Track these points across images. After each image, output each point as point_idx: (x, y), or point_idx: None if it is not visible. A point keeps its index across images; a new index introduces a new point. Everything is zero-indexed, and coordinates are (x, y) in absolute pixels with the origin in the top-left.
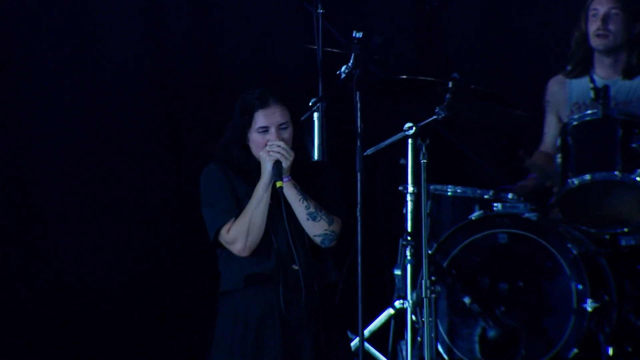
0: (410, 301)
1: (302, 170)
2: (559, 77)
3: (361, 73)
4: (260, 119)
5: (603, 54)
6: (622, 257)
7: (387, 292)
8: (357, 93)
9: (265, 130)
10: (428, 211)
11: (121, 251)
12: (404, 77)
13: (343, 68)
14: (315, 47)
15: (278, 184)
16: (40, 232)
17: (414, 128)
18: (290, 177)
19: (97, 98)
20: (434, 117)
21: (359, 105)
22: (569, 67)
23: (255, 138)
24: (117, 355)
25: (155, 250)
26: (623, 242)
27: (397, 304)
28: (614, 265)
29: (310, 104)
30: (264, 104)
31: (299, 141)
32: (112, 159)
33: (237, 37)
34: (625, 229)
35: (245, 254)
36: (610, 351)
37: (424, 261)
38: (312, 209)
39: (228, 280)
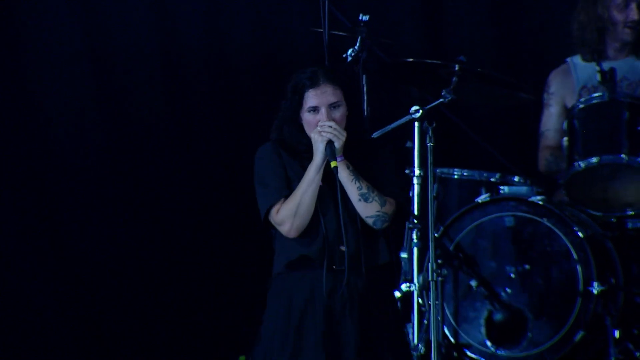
0: (417, 284)
1: (356, 150)
2: (562, 67)
3: (367, 56)
4: (311, 98)
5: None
6: (628, 240)
7: (393, 275)
8: (364, 76)
9: (315, 110)
10: (434, 194)
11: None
12: (411, 60)
13: (349, 51)
14: (322, 30)
15: (332, 163)
16: (56, 225)
17: (420, 111)
18: (343, 157)
19: (107, 82)
20: (441, 100)
21: (365, 89)
22: (582, 53)
23: (306, 118)
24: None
25: (190, 236)
26: (629, 225)
27: (404, 287)
28: (621, 248)
29: None
30: (314, 84)
31: (353, 120)
32: (124, 147)
33: (244, 21)
34: (632, 212)
35: (292, 235)
36: (617, 334)
37: (431, 244)
38: (364, 190)
39: (278, 263)
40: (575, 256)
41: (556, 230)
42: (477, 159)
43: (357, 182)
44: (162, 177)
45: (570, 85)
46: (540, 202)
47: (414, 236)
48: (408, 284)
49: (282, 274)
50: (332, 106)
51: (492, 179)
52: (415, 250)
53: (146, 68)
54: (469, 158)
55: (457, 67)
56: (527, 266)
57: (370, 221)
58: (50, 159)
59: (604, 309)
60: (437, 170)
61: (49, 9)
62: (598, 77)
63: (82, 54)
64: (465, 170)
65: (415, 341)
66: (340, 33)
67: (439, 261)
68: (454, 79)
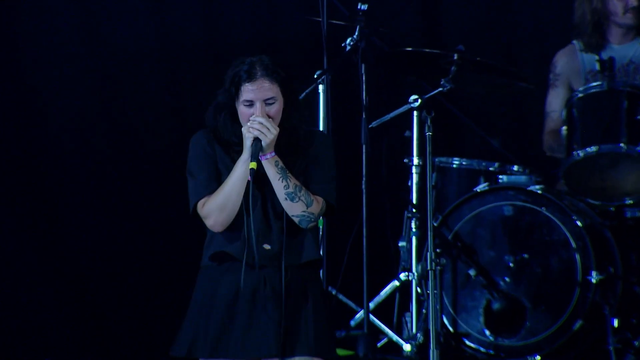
0: (415, 273)
1: (290, 145)
2: (569, 48)
3: (366, 45)
4: (246, 92)
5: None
6: (627, 229)
7: (392, 265)
8: (362, 65)
9: (250, 104)
10: (433, 183)
11: (136, 239)
12: (409, 49)
13: (348, 40)
14: (320, 19)
15: (251, 164)
16: (56, 223)
17: (419, 100)
18: (273, 153)
19: (106, 79)
20: (439, 89)
21: (364, 78)
22: (583, 42)
23: (241, 110)
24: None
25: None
26: (628, 214)
27: (402, 276)
28: (619, 237)
29: (315, 76)
30: (250, 77)
31: (289, 115)
32: (124, 145)
33: (241, 9)
34: (631, 201)
35: (217, 229)
36: (615, 323)
37: (429, 233)
38: (290, 189)
39: (204, 255)
40: (573, 245)
41: (555, 220)
42: (476, 148)
43: (284, 181)
44: (162, 175)
45: (576, 67)
46: (539, 192)
47: (413, 225)
48: (407, 273)
49: (208, 267)
50: (267, 101)
51: (490, 168)
52: (414, 239)
53: (145, 62)
54: (468, 147)
55: (455, 57)
56: (525, 255)
57: (296, 220)
58: (50, 157)
59: (602, 298)
60: (436, 160)
61: (48, 8)
62: (597, 66)
63: (81, 52)
64: (464, 160)
65: (414, 330)
66: (339, 22)
67: (438, 250)
68: (453, 68)
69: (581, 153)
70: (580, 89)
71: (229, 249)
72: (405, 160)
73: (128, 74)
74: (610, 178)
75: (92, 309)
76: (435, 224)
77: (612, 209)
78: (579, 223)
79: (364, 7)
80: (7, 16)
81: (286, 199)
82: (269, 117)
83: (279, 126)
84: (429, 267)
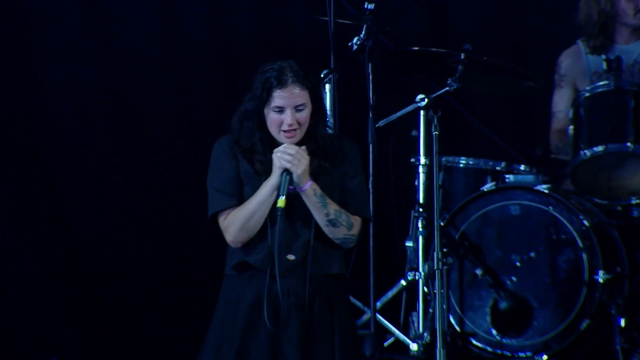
0: (422, 273)
1: (318, 152)
2: (573, 49)
3: (373, 45)
4: (277, 98)
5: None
6: (634, 228)
7: (399, 264)
8: (369, 65)
9: (281, 110)
10: (440, 183)
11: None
12: (416, 48)
13: (355, 40)
14: (327, 18)
15: (279, 202)
16: (61, 221)
17: (426, 100)
18: (310, 182)
19: (113, 77)
20: (446, 88)
21: (370, 77)
22: (588, 44)
23: (271, 116)
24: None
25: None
26: (635, 214)
27: (409, 275)
28: (626, 236)
29: (321, 75)
30: (281, 83)
31: (317, 122)
32: (130, 143)
33: (248, 9)
34: (637, 200)
35: (235, 246)
36: (622, 322)
37: (436, 233)
38: (332, 216)
39: (227, 264)
40: (580, 245)
41: (562, 219)
42: (482, 148)
43: (324, 209)
44: (168, 173)
45: (580, 68)
46: (546, 191)
47: (420, 225)
48: (414, 273)
49: (231, 275)
50: (297, 108)
51: (497, 168)
52: (420, 238)
53: (151, 62)
54: (475, 146)
55: (462, 56)
56: (532, 254)
57: (337, 242)
58: (55, 157)
59: (609, 297)
60: (443, 159)
61: (55, 7)
62: (604, 65)
63: (88, 51)
64: (471, 159)
65: (421, 330)
66: (346, 21)
67: (445, 250)
68: (460, 67)
69: (588, 152)
70: (587, 88)
71: (252, 259)
72: (412, 160)
73: (135, 74)
74: (617, 177)
75: (97, 309)
76: (442, 224)
77: (619, 208)
78: (585, 222)
79: (371, 6)
80: (14, 14)
81: (327, 225)
82: (299, 123)
83: (306, 132)
84: (435, 267)
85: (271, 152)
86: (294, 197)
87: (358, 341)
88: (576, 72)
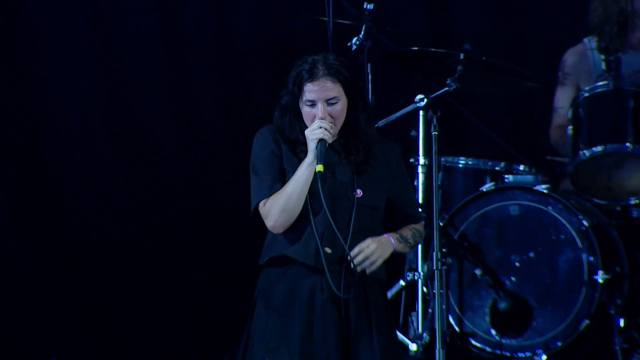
0: (422, 273)
1: (359, 149)
2: (578, 48)
3: (372, 45)
4: (308, 92)
5: None
6: (633, 228)
7: (398, 264)
8: (368, 65)
9: (312, 104)
10: (439, 183)
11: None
12: (415, 48)
13: (354, 40)
14: (326, 18)
15: (318, 167)
16: (61, 222)
17: (425, 100)
18: (393, 242)
19: (112, 72)
20: (445, 88)
21: (370, 77)
22: (602, 42)
23: (304, 110)
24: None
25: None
26: (634, 214)
27: (408, 276)
28: (625, 236)
29: None
30: (312, 77)
31: (356, 117)
32: (130, 141)
33: (247, 8)
34: (637, 201)
35: (277, 230)
36: (622, 322)
37: (435, 233)
38: (412, 243)
39: (263, 256)
40: (580, 245)
41: (561, 219)
42: (482, 148)
43: (406, 246)
44: (169, 170)
45: (585, 67)
46: (545, 191)
47: None
48: (413, 273)
49: (267, 267)
50: (330, 101)
51: (497, 168)
52: None
53: (152, 60)
54: (474, 147)
55: (461, 56)
56: (532, 255)
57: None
58: (55, 156)
59: (608, 297)
60: (442, 159)
61: (56, 6)
62: (603, 65)
63: (86, 48)
64: (470, 159)
65: (420, 330)
66: (345, 22)
67: (444, 250)
68: (459, 67)
69: (587, 153)
70: (586, 88)
71: (289, 251)
72: (411, 160)
73: (134, 74)
74: (616, 177)
75: (97, 309)
76: (441, 224)
77: (618, 208)
78: (585, 222)
79: (370, 6)
80: (13, 11)
81: (409, 250)
82: (332, 117)
83: (345, 128)
84: (435, 267)
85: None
86: (335, 190)
87: (398, 347)
88: (580, 71)
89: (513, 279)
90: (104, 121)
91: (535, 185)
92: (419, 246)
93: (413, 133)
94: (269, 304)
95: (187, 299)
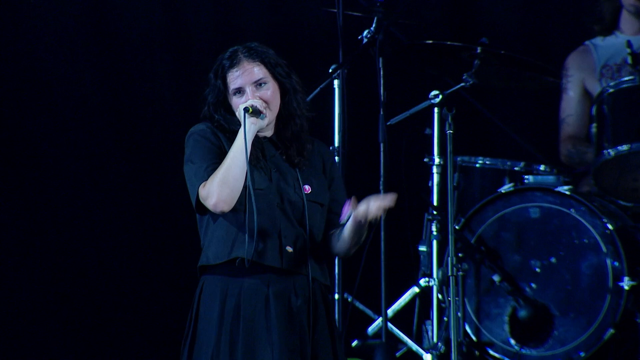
0: (436, 279)
1: (294, 139)
2: (581, 49)
3: (384, 38)
4: (233, 80)
5: (633, 15)
6: None
7: (411, 270)
8: (380, 59)
9: (240, 92)
10: (455, 184)
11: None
12: (430, 42)
13: (365, 32)
14: (336, 10)
15: (250, 109)
16: (57, 223)
17: (440, 96)
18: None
19: (113, 70)
20: (462, 84)
21: (381, 72)
22: (596, 27)
23: (234, 102)
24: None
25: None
26: None
27: (422, 282)
28: None
29: (330, 71)
30: (234, 63)
31: (290, 103)
32: (130, 139)
33: (253, 1)
34: None
35: (220, 208)
36: None
37: (451, 237)
38: (365, 236)
39: (205, 258)
40: (604, 249)
41: (584, 222)
42: (500, 147)
43: (365, 234)
44: (173, 171)
45: (590, 65)
46: (567, 193)
47: (434, 228)
48: (427, 279)
49: (214, 266)
50: (258, 84)
51: (516, 168)
52: (434, 243)
53: (153, 54)
54: (492, 146)
55: (479, 49)
56: (553, 260)
57: (347, 253)
58: (52, 154)
59: (635, 305)
60: (458, 159)
61: (56, 2)
62: (629, 59)
63: (86, 42)
64: (488, 159)
65: (435, 339)
66: (356, 13)
67: (460, 255)
68: (476, 61)
69: (612, 152)
70: (611, 83)
71: (242, 252)
72: (425, 160)
73: (135, 67)
74: None
75: (94, 313)
76: (457, 227)
77: None
78: (609, 226)
79: None
80: (11, 8)
81: (355, 245)
82: (264, 101)
83: (278, 117)
84: (450, 273)
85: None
86: (283, 184)
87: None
88: (585, 69)
89: (533, 285)
90: (104, 120)
91: (556, 187)
92: (434, 251)
93: (427, 131)
94: (222, 315)
95: (187, 302)
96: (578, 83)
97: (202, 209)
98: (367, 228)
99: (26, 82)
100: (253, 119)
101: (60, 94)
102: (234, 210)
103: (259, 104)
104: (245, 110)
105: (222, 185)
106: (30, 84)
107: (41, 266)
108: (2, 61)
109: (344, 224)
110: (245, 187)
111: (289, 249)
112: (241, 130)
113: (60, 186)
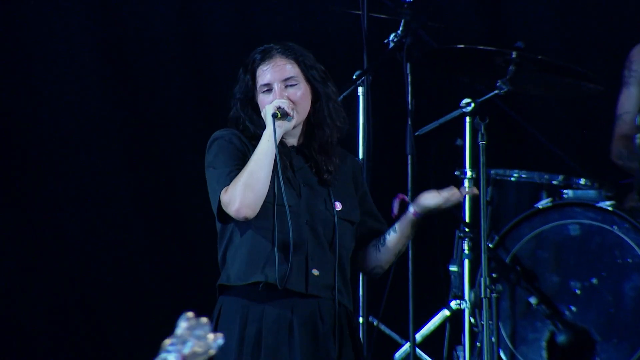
0: (468, 301)
1: (323, 151)
2: None
3: (412, 42)
4: (262, 75)
5: None
6: None
7: (441, 292)
8: (408, 65)
9: (269, 89)
10: (488, 199)
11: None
12: (461, 46)
13: (391, 36)
14: (360, 12)
15: (279, 114)
16: (58, 225)
17: (472, 104)
18: (417, 214)
19: (119, 70)
20: (495, 91)
21: (409, 79)
22: None
23: (261, 99)
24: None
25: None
26: None
27: (453, 304)
28: None
29: (353, 77)
30: (265, 58)
31: (320, 110)
32: (141, 144)
33: (273, 2)
34: None
35: (243, 214)
36: None
37: (483, 256)
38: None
39: (228, 273)
40: None
41: (628, 240)
42: (537, 159)
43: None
44: (188, 177)
45: None
46: (610, 208)
47: (465, 247)
48: (458, 301)
49: (237, 287)
50: (288, 83)
51: (554, 182)
52: (466, 262)
53: (166, 56)
54: (528, 158)
55: (514, 54)
56: (594, 281)
57: (375, 270)
58: (55, 156)
59: None
60: (492, 172)
61: (63, 4)
62: None
63: (93, 42)
64: (524, 172)
65: None
66: (381, 16)
67: (494, 275)
68: (511, 67)
69: None
70: None
71: (263, 275)
72: (456, 173)
73: (146, 68)
74: None
75: (91, 317)
76: (490, 245)
77: None
78: None
79: None
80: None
81: (396, 255)
82: (292, 101)
83: (307, 124)
84: (483, 295)
85: (279, 142)
86: (314, 200)
87: None
88: None
89: (573, 308)
90: (112, 123)
91: (598, 202)
92: (466, 271)
93: (458, 142)
94: (241, 343)
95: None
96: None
97: (223, 216)
98: (413, 231)
99: (34, 87)
100: (279, 122)
101: (71, 98)
102: (261, 227)
103: (286, 104)
104: (274, 116)
105: (246, 189)
106: (38, 88)
107: (54, 279)
108: (18, 71)
109: (390, 227)
110: (273, 202)
111: (316, 272)
112: (266, 132)
113: (59, 192)
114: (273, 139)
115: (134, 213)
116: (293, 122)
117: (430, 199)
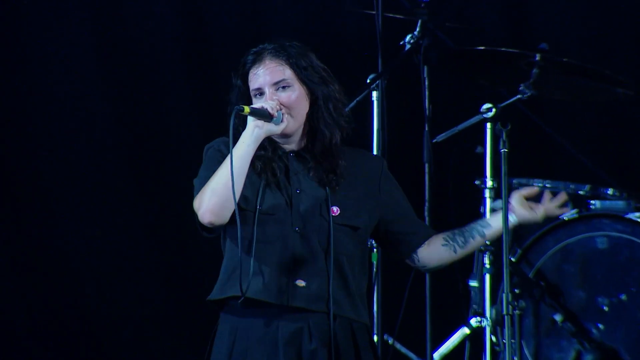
0: (489, 319)
1: (325, 156)
2: None
3: (429, 43)
4: (253, 79)
5: None
6: None
7: (460, 308)
8: (425, 68)
9: (260, 93)
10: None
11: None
12: (482, 48)
13: (407, 38)
14: (374, 12)
15: (246, 109)
16: (55, 228)
17: (493, 110)
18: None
19: (119, 71)
20: (518, 96)
21: (426, 83)
22: None
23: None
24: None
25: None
26: None
27: (473, 322)
28: None
29: (367, 81)
30: (255, 60)
31: (318, 112)
32: (138, 146)
33: (284, 2)
34: None
35: (206, 219)
36: None
37: (505, 270)
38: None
39: (218, 292)
40: None
41: None
42: (562, 167)
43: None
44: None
45: None
46: (639, 220)
47: (486, 261)
48: (479, 319)
49: (223, 304)
50: (279, 86)
51: (580, 192)
52: (487, 277)
53: (168, 56)
54: (552, 166)
55: (537, 57)
56: (623, 297)
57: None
58: (52, 159)
59: None
60: (514, 181)
61: (62, 4)
62: None
63: (91, 42)
64: (548, 181)
65: None
66: (397, 16)
67: (516, 291)
68: (535, 70)
69: None
70: None
71: (251, 291)
72: (476, 182)
73: (146, 68)
74: None
75: (88, 318)
76: (512, 259)
77: None
78: None
79: None
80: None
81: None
82: (284, 106)
83: (308, 126)
84: (505, 311)
85: (271, 146)
86: (308, 205)
87: None
88: None
89: (600, 326)
90: (110, 126)
91: (627, 213)
92: (487, 286)
93: (479, 149)
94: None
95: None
96: None
97: (204, 229)
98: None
99: (33, 87)
100: (259, 122)
101: (70, 98)
102: (242, 237)
103: (270, 105)
104: (239, 110)
105: (212, 194)
106: (38, 88)
107: (54, 287)
108: (17, 71)
109: (470, 229)
110: (255, 210)
111: (301, 282)
112: (244, 134)
113: (57, 194)
114: (248, 141)
115: (133, 213)
116: (282, 126)
117: (531, 215)
